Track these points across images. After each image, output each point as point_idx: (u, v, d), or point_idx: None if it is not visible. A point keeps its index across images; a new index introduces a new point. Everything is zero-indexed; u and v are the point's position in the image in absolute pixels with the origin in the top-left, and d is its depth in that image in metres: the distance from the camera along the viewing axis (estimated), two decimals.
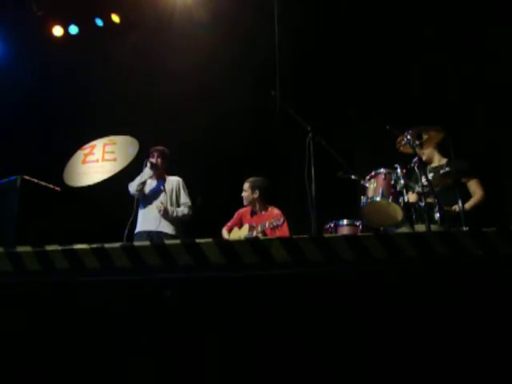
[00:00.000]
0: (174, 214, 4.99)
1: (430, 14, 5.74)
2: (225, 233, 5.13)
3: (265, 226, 4.63)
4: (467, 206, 4.03)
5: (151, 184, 5.16)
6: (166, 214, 4.92)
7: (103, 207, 6.39)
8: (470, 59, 5.53)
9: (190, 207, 5.09)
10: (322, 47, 6.24)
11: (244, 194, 5.03)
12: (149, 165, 5.06)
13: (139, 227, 5.03)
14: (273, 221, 4.54)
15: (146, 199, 5.10)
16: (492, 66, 5.49)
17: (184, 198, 5.14)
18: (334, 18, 6.20)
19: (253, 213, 5.05)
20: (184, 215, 5.05)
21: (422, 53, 5.72)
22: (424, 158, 4.23)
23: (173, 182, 5.19)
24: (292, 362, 1.94)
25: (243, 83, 6.20)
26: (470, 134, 5.12)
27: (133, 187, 5.08)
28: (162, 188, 5.11)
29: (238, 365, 1.96)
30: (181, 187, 5.17)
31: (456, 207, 3.93)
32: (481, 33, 5.56)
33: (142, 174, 5.08)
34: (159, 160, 5.15)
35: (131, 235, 4.93)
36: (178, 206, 5.12)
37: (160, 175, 5.19)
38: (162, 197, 5.06)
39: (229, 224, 5.16)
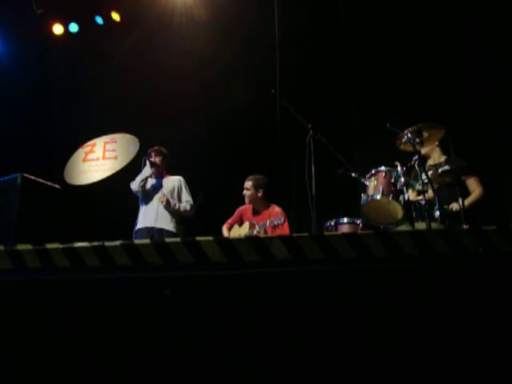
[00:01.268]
0: (176, 206, 5.00)
1: (429, 13, 5.73)
2: (225, 230, 5.13)
3: (266, 224, 4.62)
4: (466, 203, 4.01)
5: (151, 182, 5.19)
6: (168, 206, 4.94)
7: (104, 205, 6.39)
8: (471, 58, 5.53)
9: (191, 205, 5.11)
10: (323, 46, 6.23)
11: (247, 193, 4.99)
12: (148, 163, 5.09)
13: (140, 224, 5.05)
14: (273, 219, 4.53)
15: (147, 197, 5.13)
16: (493, 65, 5.49)
17: (186, 196, 5.16)
18: (334, 17, 6.19)
19: (255, 211, 5.04)
20: (186, 211, 5.06)
21: (423, 51, 5.71)
22: (422, 151, 4.21)
23: (174, 180, 5.21)
24: (291, 362, 1.94)
25: (243, 82, 6.20)
26: (470, 131, 5.12)
27: (135, 185, 5.11)
28: (161, 185, 5.13)
29: (238, 364, 1.96)
30: (182, 185, 5.19)
31: (453, 206, 3.93)
32: (481, 31, 5.56)
33: (142, 172, 5.11)
34: (158, 159, 5.18)
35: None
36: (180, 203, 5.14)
37: (160, 174, 5.21)
38: (162, 195, 5.08)
39: (229, 221, 5.16)
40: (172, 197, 5.07)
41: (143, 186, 5.08)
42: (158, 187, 5.14)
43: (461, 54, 5.53)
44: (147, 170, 5.10)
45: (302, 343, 1.95)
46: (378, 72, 5.89)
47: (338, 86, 6.17)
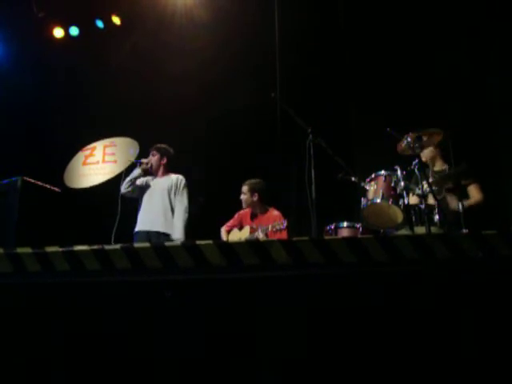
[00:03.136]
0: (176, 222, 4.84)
1: (430, 14, 5.74)
2: (223, 233, 5.12)
3: (268, 228, 4.60)
4: (465, 204, 3.93)
5: (146, 181, 5.11)
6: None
7: (103, 209, 6.38)
8: (471, 58, 5.53)
9: (185, 209, 4.90)
10: (323, 49, 6.24)
11: (243, 197, 5.00)
12: (138, 164, 5.06)
13: (139, 226, 4.94)
14: (276, 224, 4.51)
15: (145, 198, 5.03)
16: (494, 65, 5.50)
17: (179, 197, 4.96)
18: (334, 17, 6.20)
19: (253, 215, 5.04)
20: (183, 221, 4.85)
21: (423, 54, 5.72)
22: (423, 158, 4.21)
23: (172, 179, 5.05)
24: (291, 362, 1.94)
25: (243, 85, 6.21)
26: (470, 132, 5.11)
27: (122, 187, 5.04)
28: (151, 185, 5.06)
29: (238, 365, 1.96)
30: (179, 185, 5.01)
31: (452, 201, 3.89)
32: (481, 31, 5.57)
33: (131, 174, 5.07)
34: (155, 158, 5.10)
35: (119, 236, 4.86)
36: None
37: (156, 172, 5.12)
38: (159, 196, 4.97)
39: (228, 224, 5.14)
40: (169, 196, 4.94)
41: (131, 186, 5.01)
42: (156, 189, 5.03)
43: (461, 54, 5.54)
44: (135, 172, 5.06)
45: (302, 344, 1.95)
46: (378, 73, 5.89)
47: (338, 88, 6.17)
